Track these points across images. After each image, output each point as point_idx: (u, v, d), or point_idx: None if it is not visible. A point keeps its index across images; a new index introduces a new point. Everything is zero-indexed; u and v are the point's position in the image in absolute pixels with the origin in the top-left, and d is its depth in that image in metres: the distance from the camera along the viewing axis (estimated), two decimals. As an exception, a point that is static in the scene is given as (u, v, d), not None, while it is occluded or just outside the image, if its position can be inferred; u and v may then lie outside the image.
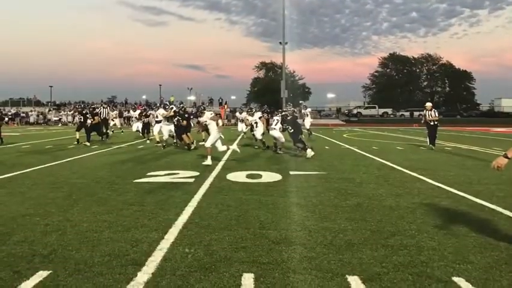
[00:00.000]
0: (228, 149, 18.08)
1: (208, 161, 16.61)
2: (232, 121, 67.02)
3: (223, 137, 18.02)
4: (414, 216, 8.59)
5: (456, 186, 11.94)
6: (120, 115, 56.07)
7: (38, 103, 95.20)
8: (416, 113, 79.61)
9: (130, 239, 6.97)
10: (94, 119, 27.27)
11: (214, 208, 9.19)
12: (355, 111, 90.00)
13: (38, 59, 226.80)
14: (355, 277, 5.46)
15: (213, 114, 18.38)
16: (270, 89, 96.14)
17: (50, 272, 5.56)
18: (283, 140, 21.35)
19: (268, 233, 7.35)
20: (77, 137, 27.46)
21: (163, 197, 10.33)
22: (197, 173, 14.20)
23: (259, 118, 24.81)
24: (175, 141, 25.20)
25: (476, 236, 7.27)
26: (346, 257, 6.20)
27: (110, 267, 5.71)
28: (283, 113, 21.52)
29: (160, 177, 13.48)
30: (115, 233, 7.31)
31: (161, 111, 25.66)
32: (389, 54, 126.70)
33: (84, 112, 27.62)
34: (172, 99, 76.21)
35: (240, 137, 32.12)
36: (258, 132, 24.29)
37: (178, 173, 14.23)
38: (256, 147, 24.46)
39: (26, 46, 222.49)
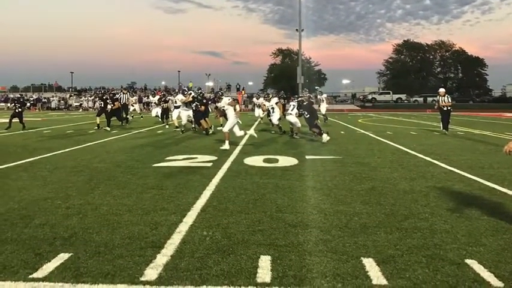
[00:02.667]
0: (245, 134, 18.04)
1: (226, 146, 16.63)
2: (250, 106, 66.87)
3: (240, 122, 18.04)
4: (427, 200, 8.55)
5: (469, 171, 11.86)
6: (140, 100, 56.01)
7: (59, 89, 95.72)
8: (429, 99, 79.19)
9: (149, 222, 6.99)
10: (114, 105, 27.35)
11: (231, 192, 9.20)
12: (369, 97, 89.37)
13: (59, 45, 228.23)
14: (370, 259, 5.44)
15: (230, 100, 18.34)
16: (287, 75, 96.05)
17: (71, 254, 5.59)
18: (299, 125, 21.31)
19: (285, 216, 7.35)
20: (98, 122, 27.59)
21: (182, 181, 10.35)
22: (215, 158, 14.21)
23: (276, 103, 24.63)
24: (193, 126, 25.15)
25: (488, 219, 7.23)
26: (360, 239, 6.19)
27: (130, 250, 5.73)
28: (300, 99, 21.48)
29: (179, 161, 13.51)
30: (135, 216, 7.34)
31: (180, 96, 25.64)
32: (404, 41, 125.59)
33: (104, 98, 27.72)
34: (190, 85, 76.13)
35: (257, 122, 32.07)
36: (275, 117, 24.13)
37: (196, 158, 14.26)
38: (273, 132, 24.45)
39: (47, 32, 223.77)
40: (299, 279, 4.92)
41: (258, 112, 31.26)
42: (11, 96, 57.55)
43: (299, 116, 20.83)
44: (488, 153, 15.67)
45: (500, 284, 4.87)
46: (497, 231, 6.56)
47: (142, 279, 4.88)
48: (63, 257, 5.48)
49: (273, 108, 24.29)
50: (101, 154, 15.14)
